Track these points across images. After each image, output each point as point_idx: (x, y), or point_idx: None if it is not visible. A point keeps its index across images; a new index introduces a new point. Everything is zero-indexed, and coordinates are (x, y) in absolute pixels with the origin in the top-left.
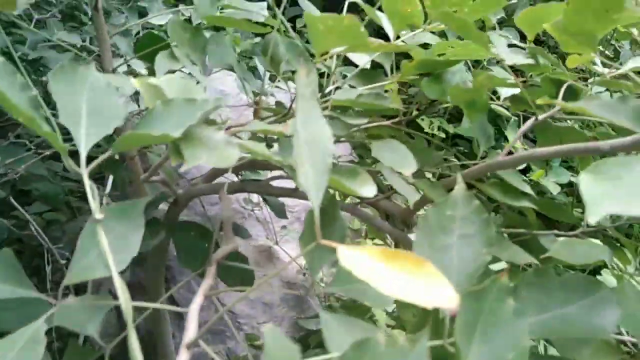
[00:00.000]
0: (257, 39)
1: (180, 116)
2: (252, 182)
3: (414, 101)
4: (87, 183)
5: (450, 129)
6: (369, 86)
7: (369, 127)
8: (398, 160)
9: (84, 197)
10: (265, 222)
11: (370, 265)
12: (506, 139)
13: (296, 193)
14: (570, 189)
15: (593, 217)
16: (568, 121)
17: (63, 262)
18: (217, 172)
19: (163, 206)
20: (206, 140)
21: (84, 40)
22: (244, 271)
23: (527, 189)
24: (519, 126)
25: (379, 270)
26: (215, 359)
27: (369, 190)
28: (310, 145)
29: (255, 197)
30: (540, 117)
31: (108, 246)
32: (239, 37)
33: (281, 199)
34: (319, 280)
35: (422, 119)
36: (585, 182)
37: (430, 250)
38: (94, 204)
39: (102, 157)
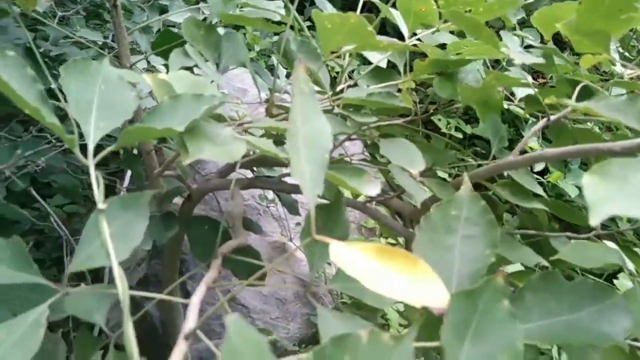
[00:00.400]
0: (276, 38)
1: (186, 111)
2: (263, 178)
3: (430, 100)
4: (93, 174)
5: (468, 129)
6: (382, 85)
7: (381, 125)
8: (406, 158)
9: (105, 191)
10: (280, 219)
11: (362, 262)
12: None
13: None
14: None
15: (595, 218)
16: (588, 123)
17: None
18: (231, 168)
19: (178, 200)
20: (212, 135)
21: (105, 37)
22: (254, 266)
23: (539, 190)
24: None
25: (371, 267)
26: (215, 351)
27: (372, 189)
28: (308, 141)
29: (270, 194)
30: (553, 117)
31: (110, 236)
32: (258, 35)
33: (294, 196)
34: (331, 277)
35: (439, 119)
36: (589, 182)
37: (432, 249)
38: (98, 194)
39: (107, 150)
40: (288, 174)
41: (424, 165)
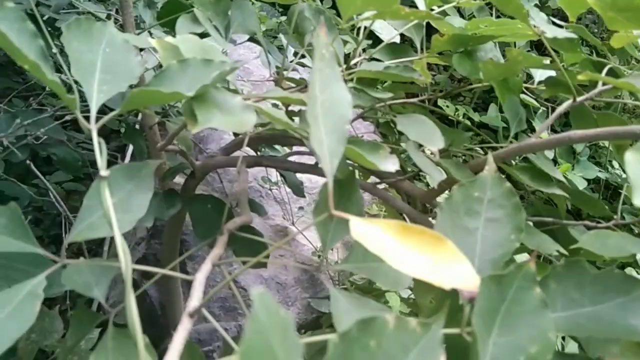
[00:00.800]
0: (283, 18)
1: (195, 76)
2: (270, 157)
3: (439, 88)
4: (96, 139)
5: (476, 117)
6: (398, 60)
7: (393, 103)
8: (425, 135)
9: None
10: (282, 203)
11: (386, 240)
12: (532, 130)
13: (315, 169)
14: (597, 185)
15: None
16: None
17: None
18: (235, 146)
19: (180, 179)
20: (222, 103)
21: (109, 11)
22: (258, 244)
23: (559, 175)
24: (547, 117)
25: (396, 245)
26: (221, 332)
27: (390, 164)
28: (326, 109)
29: (273, 177)
30: (579, 98)
31: (114, 206)
32: (265, 15)
33: (300, 179)
34: (333, 262)
35: (447, 106)
36: (632, 160)
37: (452, 232)
38: (100, 160)
39: (112, 114)
40: (293, 153)
41: (444, 142)
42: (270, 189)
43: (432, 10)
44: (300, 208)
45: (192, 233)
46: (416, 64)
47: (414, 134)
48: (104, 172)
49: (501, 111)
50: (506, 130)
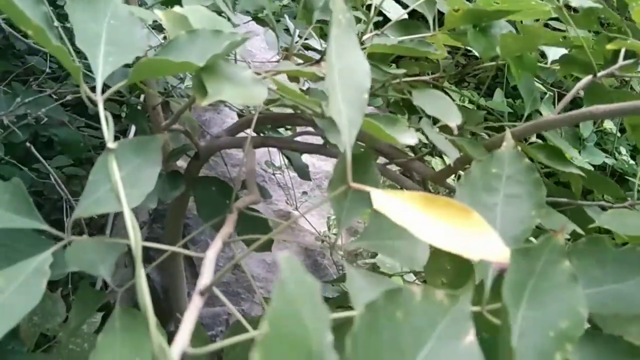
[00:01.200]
0: (286, 1)
1: (205, 46)
2: (276, 137)
3: (445, 74)
4: (102, 111)
5: (482, 101)
6: (410, 37)
7: (407, 81)
8: (442, 110)
9: None
10: (286, 187)
11: (408, 210)
12: (539, 113)
13: (324, 149)
14: (603, 172)
15: None
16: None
17: None
18: (241, 126)
19: (182, 163)
20: (232, 75)
21: None
22: (261, 226)
23: (575, 154)
24: (553, 102)
25: (421, 216)
26: (235, 313)
27: (409, 137)
28: (344, 78)
29: (277, 161)
30: (600, 73)
31: (121, 180)
32: None
33: (305, 161)
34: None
35: (453, 91)
36: None
37: (471, 207)
38: (107, 133)
39: (118, 85)
40: (300, 134)
41: (461, 118)
42: (274, 174)
43: None
44: (304, 193)
45: (195, 217)
46: (431, 39)
47: (431, 109)
48: (111, 144)
49: (507, 96)
50: (512, 115)
